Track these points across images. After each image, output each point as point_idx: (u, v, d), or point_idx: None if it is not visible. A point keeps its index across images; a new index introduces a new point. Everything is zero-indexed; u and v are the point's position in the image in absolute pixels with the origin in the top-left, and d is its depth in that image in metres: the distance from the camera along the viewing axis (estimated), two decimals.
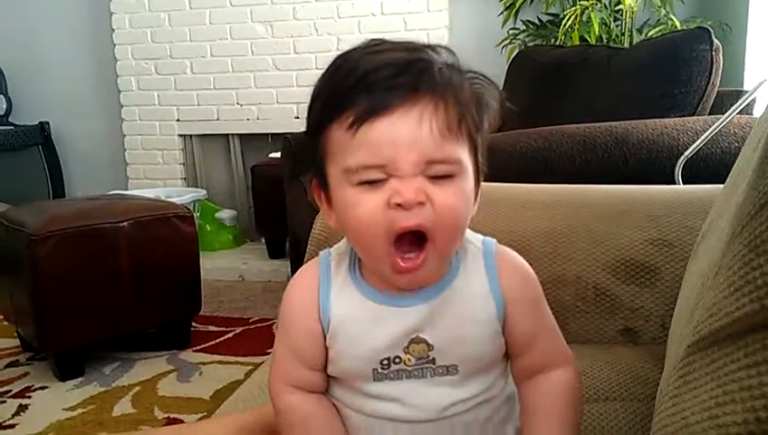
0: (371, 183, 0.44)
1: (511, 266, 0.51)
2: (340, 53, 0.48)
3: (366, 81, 0.43)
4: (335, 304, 0.49)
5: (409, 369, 0.48)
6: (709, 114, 1.51)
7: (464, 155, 0.45)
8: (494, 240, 0.53)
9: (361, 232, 0.45)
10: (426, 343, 0.47)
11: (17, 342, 2.03)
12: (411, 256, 0.45)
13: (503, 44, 2.60)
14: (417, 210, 0.43)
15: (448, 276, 0.49)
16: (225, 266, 2.84)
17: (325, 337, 0.49)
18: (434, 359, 0.48)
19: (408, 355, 0.47)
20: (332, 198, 0.47)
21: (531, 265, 0.54)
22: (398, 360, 0.47)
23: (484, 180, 0.50)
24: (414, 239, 0.44)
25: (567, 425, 0.49)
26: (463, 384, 0.48)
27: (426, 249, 0.45)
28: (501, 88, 0.49)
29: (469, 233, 0.51)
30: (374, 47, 0.46)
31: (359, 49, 0.47)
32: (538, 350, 0.50)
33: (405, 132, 0.43)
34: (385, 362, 0.48)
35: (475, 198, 0.48)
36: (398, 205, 0.43)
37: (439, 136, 0.43)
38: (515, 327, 0.49)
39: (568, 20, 2.27)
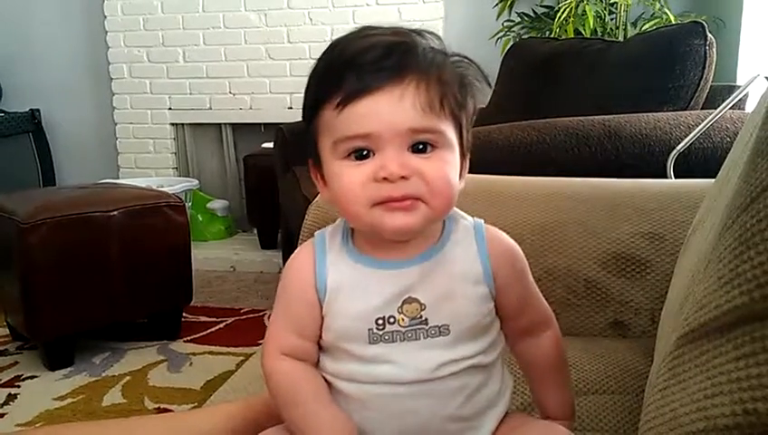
0: (358, 157, 0.47)
1: (498, 239, 0.54)
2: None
3: (353, 63, 0.46)
4: (331, 273, 0.52)
5: (403, 330, 0.50)
6: (702, 109, 1.52)
7: (447, 129, 0.48)
8: (483, 221, 0.56)
9: (349, 201, 0.48)
10: (418, 302, 0.50)
11: (6, 331, 2.02)
12: (397, 205, 0.47)
13: (497, 36, 2.60)
14: (402, 183, 0.46)
15: (439, 244, 0.52)
16: (217, 257, 2.83)
17: (321, 306, 0.51)
18: (426, 319, 0.50)
19: (402, 315, 0.50)
20: (324, 174, 0.50)
21: None
22: (392, 320, 0.50)
23: (478, 173, 0.54)
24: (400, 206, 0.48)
25: (565, 374, 0.58)
26: (454, 346, 0.50)
27: (414, 202, 0.47)
28: (494, 80, 0.51)
29: (462, 213, 0.55)
30: (364, 31, 0.49)
31: (351, 34, 0.50)
32: (528, 316, 0.55)
33: (387, 107, 0.46)
34: (380, 321, 0.50)
35: (461, 173, 0.51)
36: (385, 178, 0.46)
37: (421, 111, 0.46)
38: (507, 295, 0.53)
39: (563, 13, 2.27)
